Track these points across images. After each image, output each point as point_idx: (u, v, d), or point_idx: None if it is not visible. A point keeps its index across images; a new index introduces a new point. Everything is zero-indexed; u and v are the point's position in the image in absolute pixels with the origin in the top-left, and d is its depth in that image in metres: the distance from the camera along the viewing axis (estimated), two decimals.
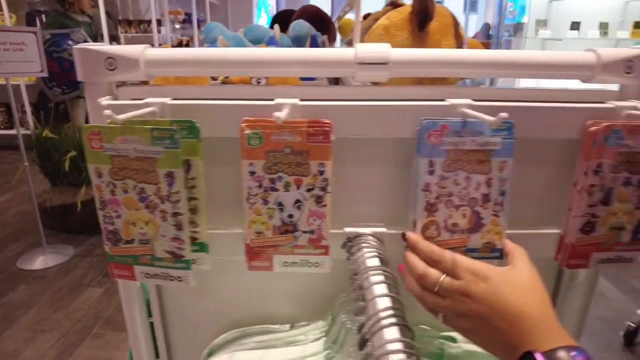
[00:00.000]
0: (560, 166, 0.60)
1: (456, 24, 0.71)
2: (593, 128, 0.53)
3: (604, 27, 3.41)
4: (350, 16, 1.37)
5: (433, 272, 0.48)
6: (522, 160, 0.58)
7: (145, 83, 0.64)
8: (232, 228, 0.59)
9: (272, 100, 0.53)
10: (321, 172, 0.53)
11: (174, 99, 0.55)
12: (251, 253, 0.56)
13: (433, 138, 0.51)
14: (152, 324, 0.69)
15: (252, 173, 0.53)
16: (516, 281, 0.45)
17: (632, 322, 2.05)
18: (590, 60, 0.55)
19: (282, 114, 0.45)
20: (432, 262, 0.49)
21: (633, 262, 0.59)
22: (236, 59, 0.54)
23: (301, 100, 0.53)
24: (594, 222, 0.56)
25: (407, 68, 0.55)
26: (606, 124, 0.52)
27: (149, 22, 4.30)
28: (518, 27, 3.62)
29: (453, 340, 0.63)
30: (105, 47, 0.53)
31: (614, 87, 0.60)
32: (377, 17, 0.78)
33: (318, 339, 0.61)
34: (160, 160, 0.48)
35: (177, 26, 5.13)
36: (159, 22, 4.49)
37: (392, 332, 0.37)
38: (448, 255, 0.48)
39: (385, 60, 0.53)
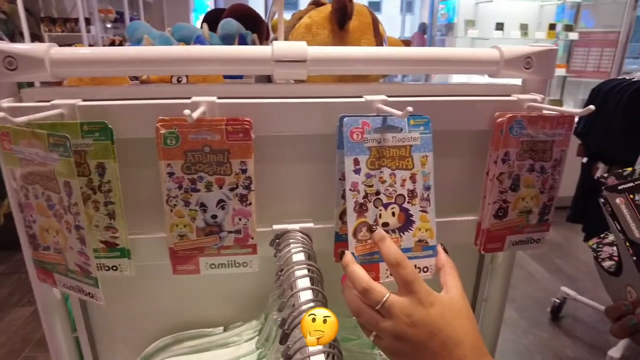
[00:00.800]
0: (474, 157, 0.64)
1: (375, 22, 0.73)
2: (500, 119, 0.57)
3: (524, 28, 3.68)
4: (284, 16, 1.37)
5: (378, 288, 0.45)
6: (440, 152, 0.61)
7: (59, 84, 0.60)
8: (154, 232, 0.57)
9: (189, 98, 0.52)
10: (243, 171, 0.52)
11: (86, 100, 0.52)
12: (175, 257, 0.55)
13: (355, 135, 0.51)
14: (77, 338, 0.65)
15: (171, 174, 0.51)
16: (457, 307, 0.45)
17: (557, 299, 2.22)
18: (495, 57, 0.59)
19: (194, 113, 0.45)
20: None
21: (541, 242, 0.64)
22: (149, 57, 0.52)
23: (220, 98, 0.53)
24: (505, 208, 0.60)
25: (324, 65, 0.56)
26: (509, 115, 0.56)
27: (77, 20, 4.05)
28: (449, 27, 3.81)
29: None
30: (3, 45, 0.50)
31: (519, 81, 0.65)
32: (300, 15, 0.79)
33: (252, 338, 0.61)
34: (58, 168, 0.46)
35: (109, 25, 4.87)
36: (88, 21, 4.24)
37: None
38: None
39: (303, 58, 0.54)
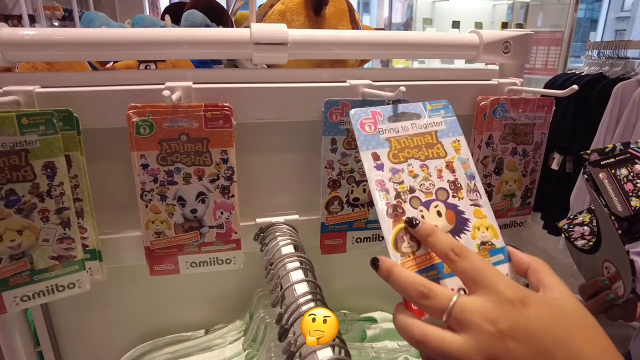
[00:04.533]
0: None
1: (351, 9, 0.72)
2: (483, 103, 0.57)
3: (479, 26, 3.81)
4: (245, 10, 1.33)
5: (440, 289, 0.31)
6: None
7: (8, 70, 0.54)
8: (127, 231, 0.53)
9: (162, 84, 0.48)
10: (224, 161, 0.49)
11: (44, 87, 0.47)
12: (152, 256, 0.51)
13: (367, 127, 0.42)
14: (40, 353, 0.59)
15: (145, 166, 0.47)
16: (569, 310, 0.30)
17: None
18: (475, 41, 0.59)
19: (173, 94, 0.41)
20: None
21: (524, 225, 0.65)
22: (118, 39, 0.47)
23: (195, 83, 0.49)
24: (490, 192, 0.59)
25: (306, 49, 0.53)
26: (493, 98, 0.56)
27: (19, 17, 3.79)
28: (408, 24, 3.88)
29: (373, 320, 0.63)
30: None
31: (494, 67, 0.65)
32: (272, 2, 0.76)
33: (237, 339, 0.57)
34: (35, 151, 0.41)
35: (56, 24, 4.59)
36: (33, 19, 3.98)
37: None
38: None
39: (284, 41, 0.51)
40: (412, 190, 0.41)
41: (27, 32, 0.46)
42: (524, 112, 0.58)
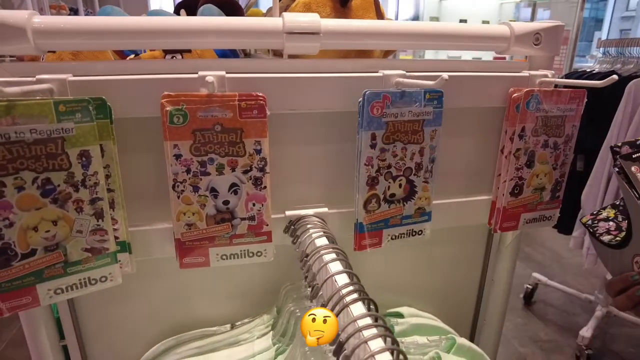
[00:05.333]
0: (486, 134, 0.63)
1: (376, 1, 0.71)
2: (515, 94, 0.56)
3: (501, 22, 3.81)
4: (256, 7, 1.32)
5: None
6: (452, 131, 0.59)
7: (34, 60, 0.53)
8: (156, 224, 0.52)
9: (194, 74, 0.48)
10: (258, 151, 0.48)
11: (76, 76, 0.46)
12: (182, 249, 0.50)
13: (376, 110, 0.50)
14: (65, 347, 0.59)
15: (178, 156, 0.46)
16: None
17: (529, 285, 2.30)
18: (506, 33, 0.58)
19: (209, 79, 0.40)
20: None
21: (552, 219, 0.64)
22: (152, 27, 0.47)
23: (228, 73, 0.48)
24: (521, 185, 0.59)
25: (339, 39, 0.52)
26: (526, 90, 0.55)
27: None
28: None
29: (400, 316, 0.62)
30: None
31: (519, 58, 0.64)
32: None
33: (265, 334, 0.56)
34: (71, 139, 0.40)
35: None
36: None
37: (359, 308, 0.35)
38: None
39: (317, 30, 0.50)
40: (389, 166, 0.53)
41: (59, 20, 0.45)
42: (556, 104, 0.57)
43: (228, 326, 0.60)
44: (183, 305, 0.62)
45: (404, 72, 0.53)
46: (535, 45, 0.60)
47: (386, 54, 0.73)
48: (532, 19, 3.79)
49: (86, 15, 4.57)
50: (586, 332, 1.87)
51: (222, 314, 0.63)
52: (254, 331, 0.57)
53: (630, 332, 2.09)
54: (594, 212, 0.71)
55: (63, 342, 0.58)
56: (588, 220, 0.69)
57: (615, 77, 0.49)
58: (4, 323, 1.94)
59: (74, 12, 4.51)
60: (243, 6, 1.44)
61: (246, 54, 1.00)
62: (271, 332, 0.56)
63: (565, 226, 2.04)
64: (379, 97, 0.49)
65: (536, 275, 2.31)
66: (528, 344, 2.01)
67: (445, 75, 0.44)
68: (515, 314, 2.25)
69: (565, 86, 0.59)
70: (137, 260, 0.52)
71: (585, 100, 0.58)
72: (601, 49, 1.99)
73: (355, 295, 0.36)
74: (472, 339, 0.79)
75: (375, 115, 0.49)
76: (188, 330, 0.60)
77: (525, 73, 0.59)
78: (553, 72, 0.60)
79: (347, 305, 0.35)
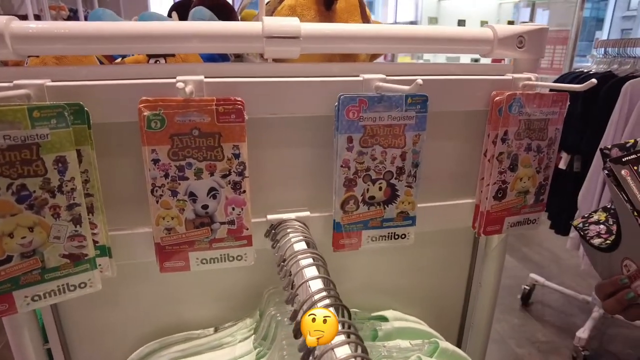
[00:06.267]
0: (468, 138, 0.63)
1: (362, 4, 0.71)
2: (498, 98, 0.56)
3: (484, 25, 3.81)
4: (251, 8, 1.32)
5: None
6: (434, 134, 0.59)
7: (16, 64, 0.54)
8: (136, 227, 0.52)
9: (173, 78, 0.48)
10: (236, 156, 0.48)
11: (55, 81, 0.47)
12: (162, 253, 0.50)
13: (351, 114, 0.50)
14: (49, 351, 0.59)
15: (156, 161, 0.46)
16: None
17: (527, 285, 2.29)
18: (489, 36, 0.58)
19: (187, 87, 0.40)
20: None
21: (537, 222, 0.64)
22: (131, 33, 0.47)
23: (206, 77, 0.48)
24: (504, 189, 0.59)
25: (319, 43, 0.52)
26: (509, 93, 0.55)
27: (25, 17, 3.80)
28: (412, 23, 3.88)
29: (384, 319, 0.62)
30: None
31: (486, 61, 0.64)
32: None
33: (247, 337, 0.57)
34: (47, 145, 0.40)
35: None
36: (38, 18, 3.99)
37: None
38: None
39: (296, 35, 0.50)
40: (367, 169, 0.53)
41: (37, 25, 0.45)
42: (539, 107, 0.57)
43: (212, 329, 0.60)
44: (167, 309, 0.62)
45: (384, 76, 0.53)
46: (519, 48, 0.60)
47: (372, 57, 0.73)
48: (531, 19, 3.78)
49: (85, 15, 4.57)
50: (583, 333, 1.87)
51: (207, 317, 0.63)
52: (236, 335, 0.57)
53: (627, 333, 2.08)
54: (585, 215, 0.71)
55: (47, 346, 0.58)
56: (579, 223, 0.69)
57: (594, 81, 0.49)
58: (1, 324, 1.95)
59: (74, 12, 4.52)
60: (237, 8, 1.44)
61: (237, 57, 1.00)
62: (253, 336, 0.56)
63: (562, 227, 2.03)
64: (355, 101, 0.49)
65: (534, 276, 2.30)
66: (525, 344, 2.01)
67: (419, 80, 0.44)
68: (513, 315, 2.24)
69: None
70: (120, 264, 0.52)
71: (568, 103, 0.58)
72: (600, 49, 1.99)
73: (327, 302, 0.36)
74: (459, 343, 0.79)
75: (350, 118, 0.50)
76: (173, 333, 0.61)
77: (509, 76, 0.59)
78: (536, 75, 0.60)
79: None
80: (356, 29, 0.54)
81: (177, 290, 0.61)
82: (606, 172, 0.50)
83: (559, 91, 0.58)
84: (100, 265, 0.49)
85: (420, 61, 3.30)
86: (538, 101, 0.56)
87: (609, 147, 0.52)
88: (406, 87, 0.46)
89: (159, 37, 0.48)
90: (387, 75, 0.54)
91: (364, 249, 0.57)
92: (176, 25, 0.49)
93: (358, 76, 0.53)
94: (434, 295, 0.73)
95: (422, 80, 0.53)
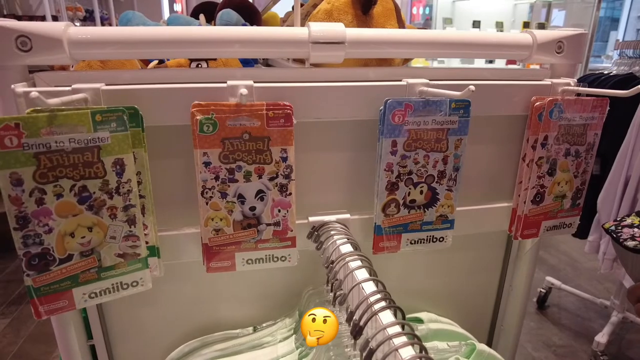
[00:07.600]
0: (506, 142, 0.63)
1: (397, 8, 0.72)
2: (538, 103, 0.56)
3: (499, 26, 3.77)
4: (274, 10, 1.33)
5: None
6: (473, 138, 0.60)
7: (63, 69, 0.55)
8: (184, 228, 0.53)
9: (223, 83, 0.49)
10: (284, 159, 0.49)
11: (108, 85, 0.48)
12: (210, 253, 0.51)
13: (397, 118, 0.51)
14: (92, 347, 0.60)
15: (207, 164, 0.48)
16: None
17: (543, 288, 2.28)
18: (528, 41, 0.59)
19: (244, 92, 0.41)
20: None
21: (572, 226, 0.64)
22: (180, 38, 0.48)
23: (255, 82, 0.49)
24: (542, 193, 0.59)
25: (362, 48, 0.53)
26: (550, 99, 0.55)
27: (43, 18, 3.86)
28: (427, 24, 3.87)
29: (420, 321, 0.63)
30: (14, 22, 0.45)
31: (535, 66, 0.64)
32: (315, 2, 0.76)
33: (287, 337, 0.57)
34: (107, 148, 0.41)
35: (78, 24, 4.66)
36: (55, 19, 4.05)
37: (387, 316, 0.36)
38: None
39: (342, 40, 0.51)
40: (410, 173, 0.54)
41: (92, 30, 0.47)
42: (578, 112, 0.57)
43: (250, 329, 0.61)
44: (207, 308, 0.63)
45: (427, 80, 0.53)
46: (558, 53, 0.60)
47: (405, 61, 0.73)
48: (547, 19, 3.75)
49: (101, 17, 4.63)
50: (602, 337, 1.85)
51: (245, 316, 0.64)
52: (276, 334, 0.58)
53: None
54: (618, 219, 0.71)
55: (91, 342, 0.60)
56: (611, 226, 0.69)
57: None
58: (22, 319, 1.98)
59: (90, 13, 4.58)
60: (260, 9, 1.45)
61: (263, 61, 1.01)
62: (294, 336, 0.57)
63: (580, 230, 2.02)
64: (401, 106, 0.49)
65: (550, 279, 2.28)
66: (541, 348, 2.00)
67: (472, 86, 0.44)
68: (528, 318, 2.23)
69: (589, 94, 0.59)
70: (164, 264, 0.53)
71: (608, 108, 0.58)
72: (618, 50, 1.97)
73: (383, 303, 0.37)
74: (489, 345, 0.79)
75: (396, 123, 0.50)
76: (211, 332, 0.62)
77: (548, 81, 0.60)
78: (575, 80, 0.60)
79: (375, 313, 0.35)
80: (398, 34, 0.55)
81: (217, 289, 0.62)
82: None
83: (598, 96, 0.58)
84: (141, 279, 0.50)
85: (435, 63, 3.29)
86: (578, 106, 0.56)
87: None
88: (457, 93, 0.46)
89: (206, 42, 0.49)
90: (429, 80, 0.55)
91: (399, 252, 0.58)
92: (224, 31, 0.50)
93: (401, 81, 0.54)
94: (465, 297, 0.74)
95: (466, 84, 0.54)
